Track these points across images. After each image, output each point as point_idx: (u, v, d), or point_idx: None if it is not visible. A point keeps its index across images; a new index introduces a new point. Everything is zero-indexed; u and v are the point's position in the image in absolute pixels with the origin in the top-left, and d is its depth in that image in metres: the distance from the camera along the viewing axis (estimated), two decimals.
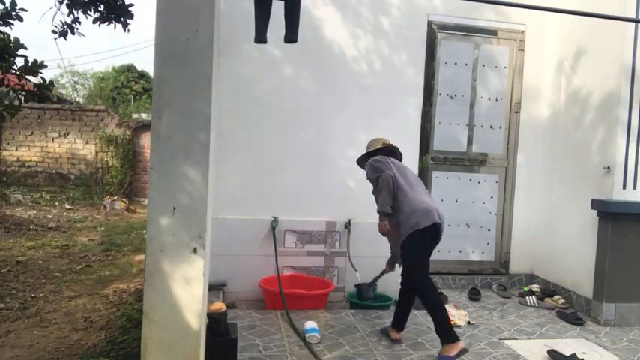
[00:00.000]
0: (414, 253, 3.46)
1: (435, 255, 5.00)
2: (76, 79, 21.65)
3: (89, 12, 4.04)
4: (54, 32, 4.09)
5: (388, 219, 3.50)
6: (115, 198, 10.98)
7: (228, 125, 4.46)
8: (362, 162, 3.84)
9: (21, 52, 3.15)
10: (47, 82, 3.25)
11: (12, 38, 3.15)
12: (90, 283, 5.25)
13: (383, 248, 4.76)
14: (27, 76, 3.18)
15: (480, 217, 5.08)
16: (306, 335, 3.48)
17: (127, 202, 10.94)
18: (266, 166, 4.56)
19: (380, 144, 3.81)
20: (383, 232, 3.57)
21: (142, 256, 6.31)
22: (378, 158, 3.63)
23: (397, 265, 3.86)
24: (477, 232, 5.08)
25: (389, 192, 3.44)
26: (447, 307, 4.16)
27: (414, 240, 3.41)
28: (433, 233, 3.46)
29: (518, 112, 5.11)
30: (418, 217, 3.39)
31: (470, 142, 5.03)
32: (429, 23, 4.87)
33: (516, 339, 3.75)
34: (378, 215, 3.54)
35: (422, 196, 3.55)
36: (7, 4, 3.28)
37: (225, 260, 4.39)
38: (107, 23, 4.08)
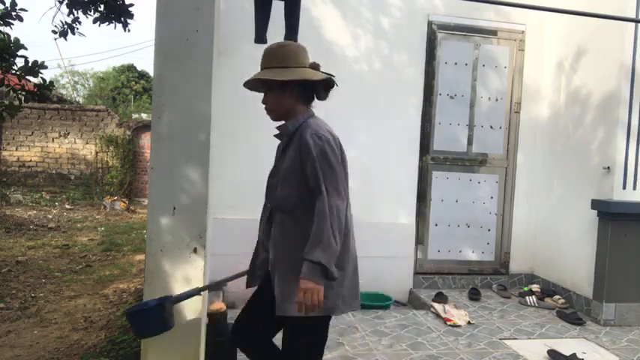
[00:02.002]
0: (317, 343, 2.08)
1: (435, 255, 5.08)
2: (76, 79, 21.67)
3: (89, 12, 4.04)
4: (54, 32, 4.09)
5: (322, 281, 1.87)
6: (115, 198, 10.98)
7: (228, 125, 4.46)
8: (267, 86, 2.15)
9: (21, 52, 3.14)
10: (47, 82, 3.25)
11: (12, 38, 3.15)
12: (90, 283, 5.25)
13: (383, 248, 4.78)
14: (27, 77, 3.18)
15: (480, 217, 5.08)
16: None
17: (127, 202, 10.94)
18: (266, 166, 4.51)
19: (308, 62, 2.16)
20: (311, 306, 1.85)
21: (142, 256, 6.31)
22: (331, 135, 2.06)
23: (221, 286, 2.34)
24: (477, 232, 5.08)
25: (340, 234, 1.91)
26: (447, 307, 4.17)
27: (326, 323, 2.08)
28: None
29: (518, 112, 5.11)
30: (351, 291, 2.06)
31: (470, 142, 5.03)
32: (429, 23, 4.87)
33: (516, 339, 3.75)
34: (311, 265, 1.86)
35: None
36: (7, 4, 3.27)
37: (225, 260, 4.38)
38: (107, 23, 4.08)
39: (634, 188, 4.15)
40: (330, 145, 1.98)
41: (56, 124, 12.20)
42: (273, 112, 2.18)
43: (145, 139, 12.09)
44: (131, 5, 4.06)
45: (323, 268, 1.85)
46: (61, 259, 6.20)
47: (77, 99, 20.14)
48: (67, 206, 10.67)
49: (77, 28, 4.15)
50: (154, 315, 1.81)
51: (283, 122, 2.17)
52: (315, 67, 2.15)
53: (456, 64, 4.98)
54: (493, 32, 5.01)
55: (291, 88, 2.09)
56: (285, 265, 2.01)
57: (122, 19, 4.07)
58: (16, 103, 3.26)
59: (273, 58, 2.11)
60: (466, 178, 5.04)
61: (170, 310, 1.85)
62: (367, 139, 4.78)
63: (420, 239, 4.95)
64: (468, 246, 5.07)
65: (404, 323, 3.95)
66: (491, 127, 5.07)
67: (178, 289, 2.28)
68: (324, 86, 2.18)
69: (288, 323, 2.04)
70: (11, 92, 3.16)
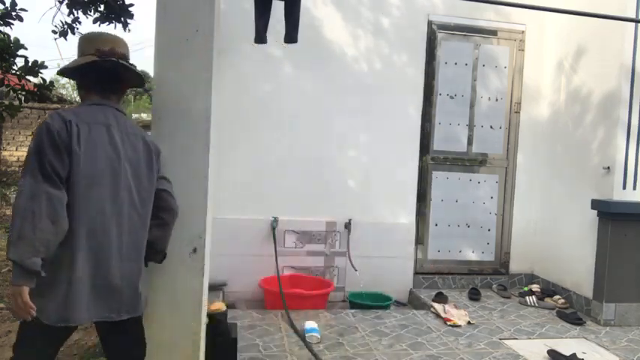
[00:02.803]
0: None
1: (435, 255, 5.08)
2: None
3: (89, 12, 4.03)
4: (54, 32, 4.08)
5: (30, 283, 1.70)
6: None
7: (228, 125, 4.46)
8: (71, 74, 2.16)
9: (21, 52, 3.14)
10: (47, 82, 3.25)
11: (12, 38, 3.15)
12: None
13: (383, 248, 4.78)
14: (27, 77, 3.18)
15: (480, 217, 5.08)
16: (306, 335, 3.48)
17: None
18: (266, 166, 4.56)
19: (94, 49, 2.00)
20: (18, 312, 1.72)
21: None
22: (61, 118, 1.83)
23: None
24: (477, 232, 5.08)
25: (42, 217, 1.70)
26: (447, 307, 4.17)
27: (33, 332, 1.83)
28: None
29: (518, 112, 5.11)
30: (63, 296, 1.80)
31: (470, 142, 5.03)
32: (429, 23, 4.87)
33: (516, 339, 3.75)
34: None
35: (117, 235, 1.94)
36: (7, 4, 3.27)
37: (225, 260, 4.39)
38: (107, 23, 4.07)
39: (634, 188, 4.15)
40: (49, 127, 1.79)
41: None
42: None
43: None
44: (131, 5, 4.06)
45: (18, 265, 1.67)
46: None
47: (77, 99, 20.13)
48: None
49: (77, 28, 4.15)
50: None
51: None
52: (94, 52, 2.00)
53: (456, 64, 4.98)
54: (493, 32, 5.01)
55: (78, 78, 2.12)
56: None
57: (122, 19, 4.07)
58: (16, 103, 3.26)
59: None
60: (466, 178, 5.04)
61: None
62: (367, 139, 4.79)
63: (420, 239, 4.95)
64: (467, 246, 5.07)
65: (404, 323, 3.95)
66: (491, 127, 5.07)
67: (178, 289, 2.29)
68: (111, 71, 2.05)
69: None
70: (11, 92, 3.16)
